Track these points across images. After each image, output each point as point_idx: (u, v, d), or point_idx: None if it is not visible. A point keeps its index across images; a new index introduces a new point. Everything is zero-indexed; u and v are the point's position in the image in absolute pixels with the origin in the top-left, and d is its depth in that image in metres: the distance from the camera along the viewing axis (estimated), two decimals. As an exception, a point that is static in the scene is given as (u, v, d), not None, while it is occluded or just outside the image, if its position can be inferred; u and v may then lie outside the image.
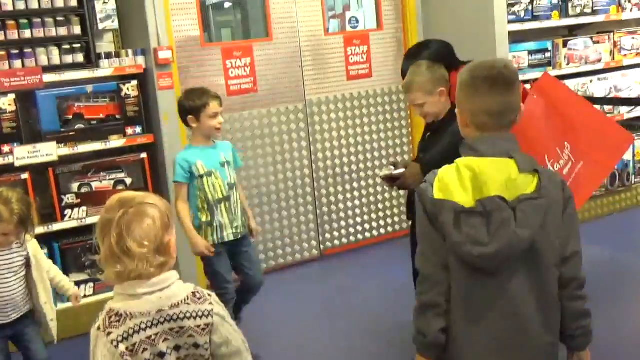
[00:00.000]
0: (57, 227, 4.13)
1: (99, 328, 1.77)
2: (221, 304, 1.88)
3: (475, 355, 1.93)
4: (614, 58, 5.68)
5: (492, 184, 1.86)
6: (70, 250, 4.19)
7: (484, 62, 2.02)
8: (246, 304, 3.87)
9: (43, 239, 3.38)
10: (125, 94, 4.28)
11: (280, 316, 4.15)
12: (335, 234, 5.41)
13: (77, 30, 4.19)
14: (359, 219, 5.48)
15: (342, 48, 5.29)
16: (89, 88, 4.19)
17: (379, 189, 5.51)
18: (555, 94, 3.10)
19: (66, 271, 3.86)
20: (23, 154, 3.97)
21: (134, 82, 4.30)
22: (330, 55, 5.25)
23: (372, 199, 5.52)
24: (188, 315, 1.79)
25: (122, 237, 1.73)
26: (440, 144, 3.05)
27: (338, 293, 4.62)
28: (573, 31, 5.64)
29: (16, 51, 4.03)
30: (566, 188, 1.96)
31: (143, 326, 1.75)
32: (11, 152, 3.96)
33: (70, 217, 4.17)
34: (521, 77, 4.68)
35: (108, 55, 4.25)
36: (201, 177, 3.58)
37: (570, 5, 5.40)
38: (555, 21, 5.34)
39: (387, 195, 5.55)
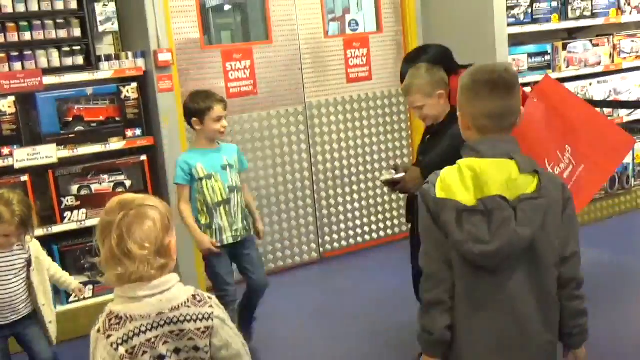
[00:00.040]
0: (56, 229, 4.13)
1: (98, 330, 1.77)
2: (221, 306, 1.88)
3: (476, 352, 1.97)
4: (613, 61, 5.68)
5: (493, 184, 1.90)
6: (70, 253, 4.18)
7: (484, 66, 2.06)
8: (253, 309, 3.87)
9: (42, 241, 3.39)
10: (125, 96, 4.28)
11: (279, 318, 4.15)
12: (335, 236, 5.40)
13: (77, 32, 4.19)
14: (358, 222, 5.48)
15: (341, 51, 5.29)
16: (89, 90, 4.19)
17: (378, 191, 5.51)
18: (556, 97, 3.10)
19: (65, 273, 3.86)
20: (23, 156, 3.97)
21: (134, 85, 4.30)
22: (330, 57, 5.25)
23: (371, 201, 5.52)
24: (188, 318, 1.79)
25: (122, 239, 1.73)
26: (439, 146, 3.06)
27: (337, 295, 4.61)
28: (572, 34, 5.65)
29: (16, 53, 4.03)
30: (566, 189, 2.00)
31: (143, 329, 1.75)
32: (11, 154, 3.96)
33: (69, 219, 4.16)
34: (521, 80, 4.66)
35: (108, 58, 4.25)
36: (200, 179, 3.60)
37: (569, 8, 5.41)
38: (555, 24, 5.35)
39: (386, 198, 5.54)
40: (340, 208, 5.39)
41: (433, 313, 1.96)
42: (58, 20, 4.13)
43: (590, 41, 5.57)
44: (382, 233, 5.59)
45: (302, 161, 5.19)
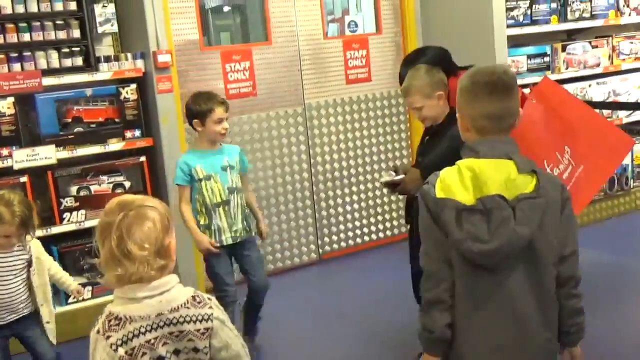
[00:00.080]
0: (55, 230, 4.13)
1: (98, 331, 1.76)
2: (221, 307, 1.88)
3: (476, 350, 1.99)
4: (612, 62, 5.69)
5: (492, 184, 1.92)
6: (69, 254, 4.18)
7: (483, 67, 2.08)
8: (257, 309, 3.88)
9: (41, 242, 3.41)
10: (125, 97, 4.28)
11: (278, 319, 4.15)
12: (334, 237, 5.40)
13: (76, 33, 4.19)
14: (357, 223, 5.48)
15: (341, 52, 5.29)
16: (88, 91, 4.19)
17: (377, 193, 5.51)
18: (555, 98, 3.11)
19: (64, 274, 3.86)
20: (22, 157, 3.97)
21: (133, 86, 4.30)
22: (329, 59, 5.25)
23: (370, 202, 5.52)
24: (188, 319, 1.78)
25: (122, 240, 1.73)
26: (439, 147, 3.06)
27: (336, 296, 4.61)
28: (572, 35, 5.65)
29: (15, 54, 4.03)
30: (564, 189, 2.02)
31: (142, 330, 1.75)
32: (10, 155, 3.96)
33: (68, 220, 4.16)
34: (520, 82, 4.69)
35: (107, 59, 4.25)
36: (200, 180, 3.61)
37: (569, 9, 5.41)
38: (554, 25, 5.35)
39: (385, 199, 5.55)
40: (340, 209, 5.39)
41: (433, 312, 1.98)
42: (57, 22, 4.14)
43: (590, 43, 5.57)
44: (381, 234, 5.59)
45: (302, 162, 5.19)
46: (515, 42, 5.19)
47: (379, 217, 5.57)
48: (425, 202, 2.00)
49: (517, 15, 5.15)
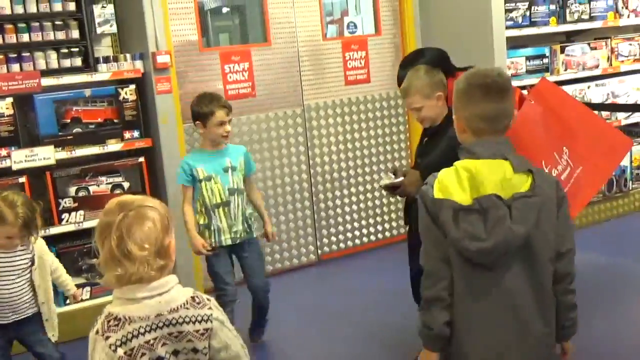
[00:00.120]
0: (54, 230, 4.12)
1: (97, 332, 1.76)
2: (220, 308, 1.88)
3: (476, 345, 2.04)
4: (611, 64, 5.69)
5: (488, 184, 1.98)
6: (68, 254, 4.17)
7: (478, 70, 2.16)
8: (260, 310, 3.94)
9: (40, 243, 3.44)
10: (123, 98, 4.27)
11: (277, 320, 4.15)
12: (333, 238, 5.40)
13: (75, 34, 4.19)
14: (356, 224, 5.48)
15: (340, 53, 5.30)
16: (87, 92, 4.19)
17: (376, 194, 5.51)
18: (554, 99, 3.10)
19: (63, 275, 3.86)
20: (20, 158, 3.97)
21: (132, 86, 4.30)
22: (328, 60, 5.25)
23: (369, 204, 5.52)
24: (187, 319, 1.78)
25: (122, 240, 1.73)
26: (438, 148, 3.06)
27: (335, 297, 4.61)
28: (571, 37, 5.66)
29: (14, 55, 4.03)
30: (559, 187, 2.09)
31: (142, 330, 1.74)
32: (9, 156, 3.95)
33: (67, 220, 4.16)
34: (519, 83, 4.73)
35: (106, 60, 4.25)
36: (200, 181, 3.65)
37: (567, 11, 5.42)
38: (553, 27, 5.36)
39: (384, 200, 5.54)
40: (339, 210, 5.39)
41: (432, 309, 2.04)
42: (56, 22, 4.13)
43: (588, 44, 5.58)
44: (380, 235, 5.59)
45: (300, 163, 5.19)
46: (514, 44, 5.20)
47: (378, 218, 5.57)
48: (424, 203, 2.06)
49: (516, 17, 5.16)
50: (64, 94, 4.14)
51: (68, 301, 4.06)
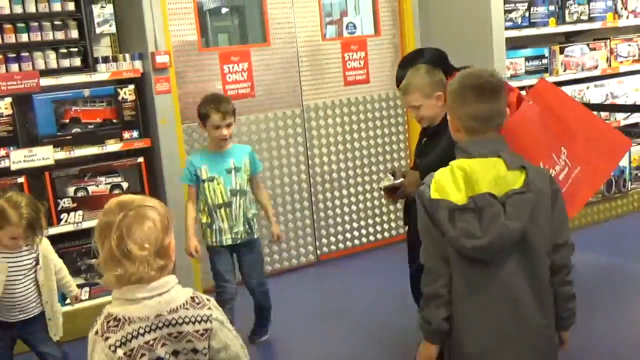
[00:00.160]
0: (53, 231, 4.10)
1: (96, 332, 1.76)
2: (220, 308, 1.87)
3: (476, 338, 2.09)
4: (610, 65, 5.70)
5: (483, 182, 2.05)
6: (67, 255, 4.15)
7: (471, 71, 2.22)
8: (261, 310, 3.98)
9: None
10: (122, 98, 4.27)
11: (276, 320, 4.14)
12: (332, 239, 5.40)
13: (74, 34, 4.18)
14: (355, 224, 5.48)
15: (339, 54, 5.29)
16: (86, 92, 4.18)
17: (375, 194, 5.51)
18: (552, 99, 3.09)
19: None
20: (19, 158, 3.96)
21: (131, 87, 4.29)
22: (327, 60, 5.25)
23: (368, 204, 5.52)
24: (187, 320, 1.78)
25: (122, 240, 1.72)
26: (438, 147, 3.06)
27: (334, 298, 4.61)
28: (570, 38, 5.66)
29: (13, 55, 4.02)
30: (553, 181, 2.16)
31: (141, 331, 1.74)
32: (7, 156, 3.95)
33: (66, 221, 4.15)
34: (518, 84, 4.73)
35: (105, 60, 4.24)
36: (203, 181, 3.69)
37: (567, 12, 5.42)
38: (552, 28, 5.36)
39: (383, 200, 5.54)
40: (338, 210, 5.39)
41: (431, 306, 2.11)
42: (55, 22, 4.12)
43: (588, 45, 5.58)
44: (379, 236, 5.59)
45: (300, 164, 5.19)
46: (513, 45, 5.20)
47: (377, 219, 5.57)
48: (422, 202, 2.13)
49: (515, 18, 5.16)
50: (63, 94, 4.14)
51: (68, 301, 4.06)
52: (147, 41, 4.26)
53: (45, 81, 4.03)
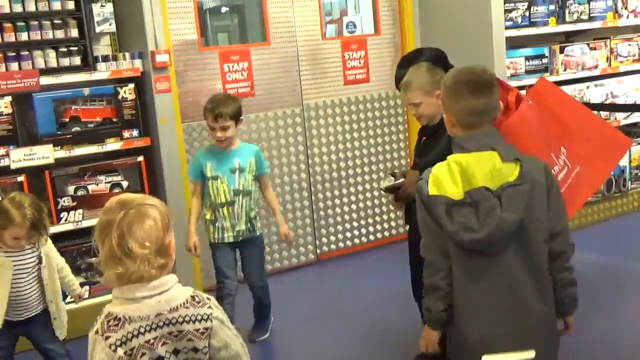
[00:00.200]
0: (53, 229, 4.05)
1: (97, 332, 1.75)
2: (220, 307, 1.87)
3: (477, 328, 2.15)
4: (610, 64, 5.70)
5: (479, 175, 2.11)
6: (66, 253, 4.13)
7: (464, 68, 2.29)
8: (260, 307, 4.01)
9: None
10: (122, 97, 4.27)
11: (276, 319, 4.15)
12: (332, 238, 5.40)
13: (74, 33, 4.18)
14: (355, 224, 5.48)
15: (339, 53, 5.29)
16: (86, 91, 4.18)
17: (375, 193, 5.51)
18: (552, 98, 3.10)
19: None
20: (19, 157, 3.96)
21: (131, 85, 4.29)
22: (327, 59, 5.25)
23: (368, 203, 5.52)
24: (187, 319, 1.78)
25: (123, 238, 1.72)
26: (438, 146, 3.06)
27: (334, 297, 4.61)
28: (570, 37, 5.66)
29: (13, 53, 4.02)
30: (548, 171, 2.22)
31: (142, 330, 1.74)
32: (7, 155, 3.95)
33: (66, 219, 4.15)
34: (518, 83, 4.73)
35: (105, 58, 4.24)
36: (208, 179, 3.73)
37: (567, 11, 5.42)
38: (552, 27, 5.36)
39: (383, 200, 5.54)
40: (338, 210, 5.39)
41: (431, 297, 2.21)
42: (55, 21, 4.12)
43: (588, 44, 5.58)
44: (379, 235, 5.59)
45: (300, 163, 5.19)
46: (513, 44, 5.20)
47: (377, 218, 5.56)
48: (421, 197, 2.20)
49: (515, 17, 5.16)
50: (63, 93, 4.14)
51: (68, 299, 4.06)
52: (147, 40, 4.26)
53: (45, 80, 4.02)
